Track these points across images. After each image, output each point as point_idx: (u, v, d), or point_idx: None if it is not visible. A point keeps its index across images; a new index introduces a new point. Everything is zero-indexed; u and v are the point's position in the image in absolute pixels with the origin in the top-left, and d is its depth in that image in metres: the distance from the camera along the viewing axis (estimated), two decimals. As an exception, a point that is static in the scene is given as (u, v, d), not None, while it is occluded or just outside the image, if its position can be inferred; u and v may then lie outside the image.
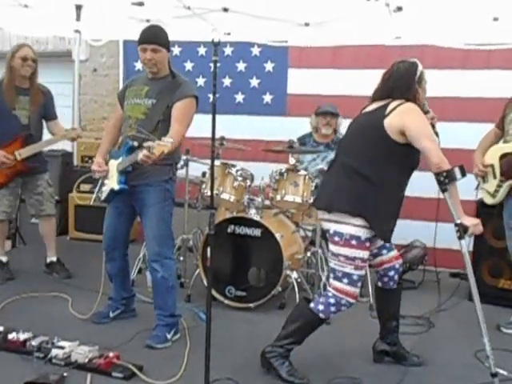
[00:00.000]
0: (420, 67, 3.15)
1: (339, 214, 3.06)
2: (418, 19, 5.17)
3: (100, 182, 3.75)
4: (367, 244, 3.07)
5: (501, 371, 3.32)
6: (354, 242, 3.04)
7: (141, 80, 3.71)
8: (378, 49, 5.76)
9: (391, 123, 3.00)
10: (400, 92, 3.08)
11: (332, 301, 3.14)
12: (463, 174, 2.91)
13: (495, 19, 4.99)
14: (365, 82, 5.78)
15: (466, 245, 2.98)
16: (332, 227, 3.10)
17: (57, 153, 6.33)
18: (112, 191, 3.61)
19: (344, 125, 5.14)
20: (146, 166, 3.32)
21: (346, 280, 3.09)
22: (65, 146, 6.28)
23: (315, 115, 5.13)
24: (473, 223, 2.96)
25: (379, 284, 3.42)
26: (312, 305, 3.18)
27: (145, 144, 3.20)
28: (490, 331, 3.91)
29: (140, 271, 4.79)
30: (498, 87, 5.26)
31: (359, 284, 3.13)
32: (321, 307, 3.15)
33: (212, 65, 2.89)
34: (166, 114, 3.52)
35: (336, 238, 3.08)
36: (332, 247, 3.14)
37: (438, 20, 5.18)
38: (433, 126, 3.17)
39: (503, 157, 3.84)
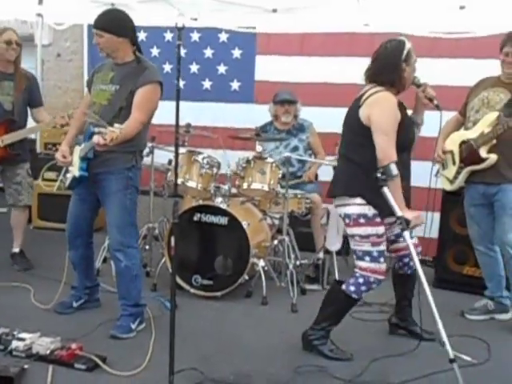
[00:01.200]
0: (408, 45, 3.21)
1: (342, 197, 3.26)
2: (386, 7, 5.16)
3: (65, 168, 3.68)
4: (377, 220, 3.19)
5: (464, 357, 3.37)
6: (362, 221, 3.19)
7: (108, 66, 3.63)
8: (346, 36, 5.76)
9: (363, 113, 3.16)
10: (387, 73, 3.20)
11: (361, 280, 3.25)
12: (397, 170, 3.03)
13: (461, 7, 5.02)
14: (333, 69, 5.87)
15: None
16: (341, 211, 3.30)
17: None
18: (74, 178, 3.54)
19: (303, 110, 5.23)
20: (108, 153, 3.31)
21: (367, 258, 3.22)
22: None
23: (273, 103, 5.12)
24: (414, 216, 3.06)
25: (396, 267, 3.58)
26: (344, 287, 3.29)
27: (96, 129, 3.20)
28: (455, 318, 4.04)
29: (105, 260, 4.71)
30: (465, 76, 5.29)
31: (382, 259, 3.23)
32: (352, 288, 3.26)
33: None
34: (128, 100, 3.45)
35: (347, 220, 3.26)
36: (347, 230, 3.32)
37: (405, 8, 5.18)
38: (430, 100, 3.34)
39: (463, 143, 3.85)
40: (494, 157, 3.68)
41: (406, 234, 3.00)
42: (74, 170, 3.53)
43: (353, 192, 3.21)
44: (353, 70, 5.74)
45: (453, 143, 3.95)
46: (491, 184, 3.74)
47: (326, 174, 4.92)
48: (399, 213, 2.98)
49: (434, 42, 5.49)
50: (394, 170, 3.02)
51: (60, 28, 5.95)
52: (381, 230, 3.22)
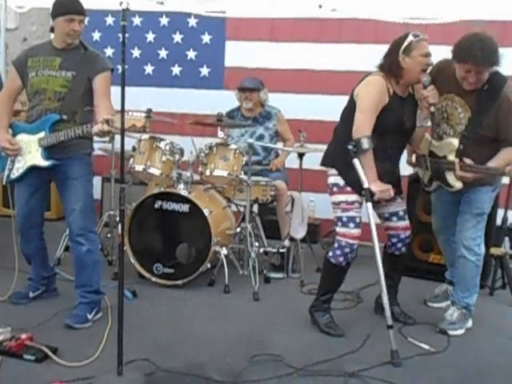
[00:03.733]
0: (410, 38, 3.32)
1: (326, 168, 3.55)
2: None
3: (9, 159, 3.55)
4: (348, 188, 3.42)
5: (422, 345, 3.37)
6: (335, 189, 3.47)
7: (47, 50, 3.51)
8: (315, 22, 5.67)
9: (356, 90, 3.42)
10: (385, 59, 3.42)
11: (336, 245, 3.48)
12: (370, 145, 3.23)
13: (430, -7, 4.96)
14: (302, 55, 5.80)
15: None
16: (327, 182, 3.55)
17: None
18: (31, 168, 3.45)
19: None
20: (69, 139, 3.34)
21: (339, 223, 3.47)
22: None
23: (237, 90, 5.05)
24: (379, 189, 3.29)
25: (386, 245, 3.77)
26: (327, 254, 3.54)
27: (105, 117, 3.17)
28: (418, 306, 4.02)
29: (67, 249, 4.61)
30: (435, 61, 5.25)
31: (351, 225, 3.42)
32: (330, 253, 3.51)
33: (147, 36, 2.74)
34: (87, 87, 3.43)
35: (328, 190, 3.54)
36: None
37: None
38: (429, 105, 3.38)
39: (431, 153, 3.65)
40: (459, 185, 3.49)
41: (369, 205, 3.23)
42: (34, 160, 3.44)
43: (328, 163, 3.53)
44: (322, 56, 5.76)
45: (424, 148, 3.72)
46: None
47: (293, 161, 4.88)
48: (366, 184, 3.21)
49: (403, 27, 5.41)
50: (365, 143, 3.23)
51: (21, 11, 5.80)
52: (351, 197, 3.41)
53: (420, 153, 3.74)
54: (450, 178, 3.52)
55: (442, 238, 4.00)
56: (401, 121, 3.42)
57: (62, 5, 3.38)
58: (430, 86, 3.37)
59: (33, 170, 3.46)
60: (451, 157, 3.49)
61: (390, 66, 3.37)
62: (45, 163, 3.42)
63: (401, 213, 3.65)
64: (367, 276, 4.31)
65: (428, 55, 3.36)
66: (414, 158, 3.83)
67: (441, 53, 5.38)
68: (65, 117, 3.39)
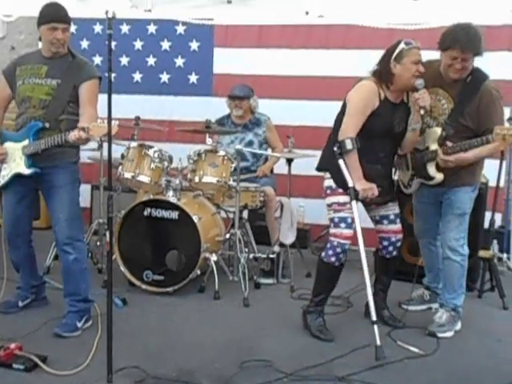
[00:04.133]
0: (401, 45, 3.40)
1: (322, 173, 3.64)
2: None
3: None
4: (339, 190, 3.49)
5: (411, 348, 3.38)
6: (328, 191, 3.57)
7: (35, 58, 3.53)
8: (302, 28, 5.71)
9: (347, 96, 3.51)
10: (377, 66, 3.50)
11: (328, 245, 3.56)
12: (354, 145, 3.31)
13: (415, -1, 5.01)
14: (290, 61, 5.83)
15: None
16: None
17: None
18: (16, 176, 3.45)
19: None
20: (54, 147, 3.32)
21: (332, 224, 3.56)
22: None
23: (228, 97, 5.09)
24: (363, 188, 3.38)
25: (378, 248, 3.82)
26: (321, 255, 3.61)
27: (79, 125, 3.18)
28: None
29: (56, 257, 4.59)
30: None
31: (343, 225, 3.50)
32: (323, 253, 3.58)
33: (135, 44, 2.75)
34: (72, 95, 3.43)
35: (323, 193, 3.61)
36: None
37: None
38: (420, 108, 3.42)
39: (415, 151, 3.71)
40: (440, 176, 3.57)
41: (353, 203, 3.35)
42: (18, 167, 3.44)
43: (323, 166, 3.64)
44: (309, 62, 5.79)
45: None
46: (442, 185, 3.64)
47: (281, 167, 4.89)
48: (350, 183, 3.34)
49: (390, 33, 5.46)
50: (348, 144, 3.33)
51: (8, 20, 5.80)
52: (342, 198, 3.47)
53: (401, 153, 3.78)
54: (431, 169, 3.61)
55: (423, 241, 4.03)
56: (390, 126, 3.49)
57: (45, 13, 3.40)
58: (422, 90, 3.41)
59: (18, 177, 3.45)
60: (434, 146, 3.57)
61: (382, 73, 3.46)
62: (27, 171, 3.42)
63: (392, 216, 3.69)
64: (357, 280, 4.33)
65: (418, 62, 3.42)
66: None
67: (427, 57, 5.44)
68: (47, 125, 3.38)
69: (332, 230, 3.56)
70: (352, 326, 3.71)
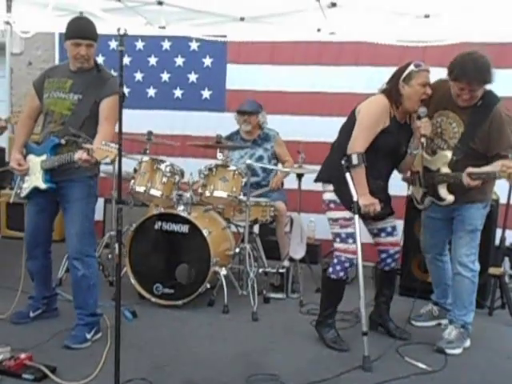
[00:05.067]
0: (411, 67, 3.46)
1: (322, 184, 3.65)
2: (352, 16, 5.16)
3: (19, 178, 3.62)
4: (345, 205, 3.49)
5: (419, 364, 3.36)
6: (332, 205, 3.57)
7: (62, 72, 3.55)
8: (314, 45, 5.79)
9: (358, 108, 3.53)
10: (387, 84, 3.55)
11: (335, 261, 3.59)
12: (360, 161, 3.35)
13: (426, 16, 5.03)
14: (302, 77, 5.89)
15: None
16: (322, 197, 3.64)
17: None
18: (35, 189, 3.50)
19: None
20: (71, 162, 3.30)
21: (338, 239, 3.58)
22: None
23: (236, 113, 5.14)
24: (364, 203, 3.41)
25: (378, 261, 3.84)
26: (327, 271, 3.63)
27: (84, 145, 3.14)
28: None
29: (68, 270, 4.64)
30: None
31: (350, 240, 3.51)
32: (331, 269, 3.60)
33: (150, 59, 2.79)
34: (93, 111, 3.43)
35: (323, 206, 3.63)
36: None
37: (372, 17, 5.20)
38: (421, 136, 3.50)
39: (425, 169, 3.72)
40: (451, 198, 3.58)
41: (355, 217, 3.38)
42: (36, 181, 3.49)
43: (326, 178, 3.63)
44: (322, 78, 5.84)
45: (418, 164, 3.79)
46: (454, 203, 3.63)
47: (292, 182, 4.92)
48: (355, 197, 3.37)
49: (402, 50, 5.50)
50: (355, 159, 3.37)
51: (25, 36, 5.91)
52: (347, 214, 3.48)
53: (414, 169, 3.82)
54: (443, 191, 3.61)
55: (429, 256, 4.03)
56: (397, 145, 3.57)
57: (71, 29, 3.42)
58: (425, 119, 3.47)
59: (39, 191, 3.50)
60: (444, 169, 3.59)
61: (391, 92, 3.51)
62: (43, 186, 3.47)
63: (389, 229, 3.74)
64: (367, 296, 4.33)
65: (426, 85, 3.46)
66: (408, 173, 3.90)
67: (439, 75, 5.47)
68: (63, 141, 3.38)
69: (338, 245, 3.59)
70: (360, 341, 3.67)
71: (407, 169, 3.77)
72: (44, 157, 3.46)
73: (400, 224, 4.45)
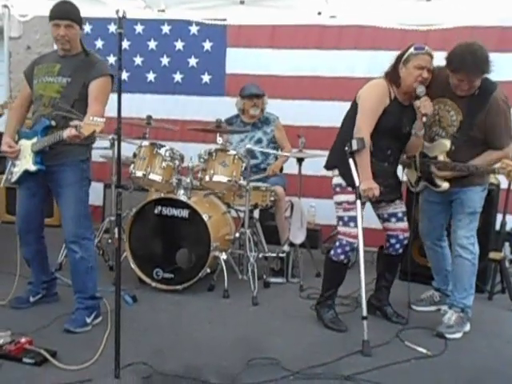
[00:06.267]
0: (411, 50, 3.48)
1: (330, 170, 3.69)
2: (353, -1, 5.14)
3: (10, 163, 3.61)
4: (349, 189, 3.52)
5: (419, 348, 3.37)
6: (338, 189, 3.62)
7: (51, 57, 3.59)
8: (315, 29, 5.73)
9: (358, 93, 3.58)
10: (389, 69, 3.56)
11: (337, 243, 3.64)
12: (360, 146, 3.36)
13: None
14: (302, 61, 5.85)
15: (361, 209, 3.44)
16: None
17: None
18: (26, 172, 3.48)
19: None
20: (62, 145, 3.31)
21: (340, 222, 3.62)
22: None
23: (241, 97, 5.11)
24: (363, 188, 3.41)
25: (384, 246, 3.86)
26: (329, 253, 3.69)
27: (71, 123, 3.16)
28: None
29: (68, 255, 4.65)
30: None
31: (352, 224, 3.55)
32: (332, 252, 3.66)
33: (149, 43, 2.77)
34: (81, 93, 3.44)
35: (332, 191, 3.66)
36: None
37: (373, 0, 5.17)
38: (422, 115, 3.48)
39: (422, 154, 3.75)
40: (446, 185, 3.63)
41: (357, 203, 3.40)
42: (26, 164, 3.47)
43: (332, 164, 3.67)
44: (322, 62, 5.80)
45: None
46: (452, 186, 3.65)
47: (292, 167, 4.90)
48: (357, 183, 3.40)
49: (403, 34, 5.46)
50: (354, 145, 3.38)
51: (23, 19, 5.86)
52: (352, 197, 3.48)
53: (409, 154, 3.83)
54: (437, 179, 3.66)
55: (428, 243, 4.04)
56: (398, 125, 3.55)
57: (52, 10, 3.46)
58: (424, 97, 3.47)
59: (30, 174, 3.48)
60: (441, 157, 3.63)
61: (391, 73, 3.56)
62: (33, 168, 3.44)
63: (399, 214, 3.75)
64: (366, 280, 4.33)
65: (422, 68, 3.46)
66: (404, 157, 3.89)
67: (441, 59, 5.45)
68: (53, 123, 3.40)
69: (341, 229, 3.62)
70: (360, 326, 3.67)
71: (414, 151, 3.74)
72: (35, 139, 3.45)
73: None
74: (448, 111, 3.61)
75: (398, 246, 3.79)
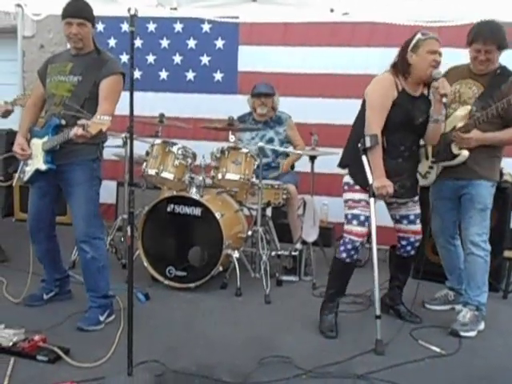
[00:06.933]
0: (419, 35, 3.44)
1: (343, 168, 3.64)
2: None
3: (22, 162, 3.64)
4: (356, 187, 3.49)
5: (433, 347, 3.34)
6: (346, 187, 3.57)
7: (64, 56, 3.62)
8: (327, 26, 5.70)
9: (365, 91, 3.52)
10: (396, 58, 3.52)
11: (341, 241, 3.57)
12: (373, 142, 3.32)
13: (443, -5, 4.95)
14: (315, 59, 5.83)
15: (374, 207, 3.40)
16: None
17: (1, 132, 6.14)
18: (37, 171, 3.51)
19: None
20: (72, 144, 3.33)
21: (345, 221, 3.56)
22: (11, 124, 6.08)
23: (251, 96, 5.11)
24: (376, 186, 3.35)
25: (396, 246, 3.81)
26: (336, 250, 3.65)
27: (79, 122, 3.16)
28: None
29: (82, 253, 4.67)
30: (449, 64, 5.24)
31: (355, 222, 3.49)
32: (337, 250, 3.59)
33: (162, 42, 2.77)
34: (92, 92, 3.45)
35: (342, 189, 3.62)
36: None
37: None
38: (441, 96, 3.38)
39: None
40: (465, 153, 3.59)
41: (371, 201, 3.37)
42: (37, 163, 3.50)
43: (343, 163, 3.65)
44: (335, 60, 5.77)
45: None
46: (461, 179, 3.66)
47: (305, 165, 4.88)
48: (370, 181, 3.35)
49: (416, 30, 5.37)
50: (368, 141, 3.34)
51: (37, 18, 5.90)
52: (357, 195, 3.48)
53: (431, 143, 3.79)
54: (455, 148, 3.65)
55: (440, 241, 4.01)
56: (409, 117, 3.47)
57: (64, 9, 3.48)
58: (441, 79, 3.42)
59: (41, 174, 3.51)
60: (461, 124, 3.62)
61: (399, 64, 3.48)
62: (43, 167, 3.47)
63: (412, 217, 3.67)
64: (379, 279, 4.31)
65: (435, 52, 3.41)
66: None
67: (455, 55, 5.39)
68: (63, 122, 3.41)
69: (345, 227, 3.57)
70: (372, 325, 3.66)
71: (434, 138, 3.60)
72: (45, 138, 3.48)
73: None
74: (470, 88, 3.67)
75: (409, 248, 3.74)
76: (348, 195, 3.54)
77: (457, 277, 4.00)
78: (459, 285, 3.99)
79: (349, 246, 3.51)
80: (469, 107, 3.61)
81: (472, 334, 3.59)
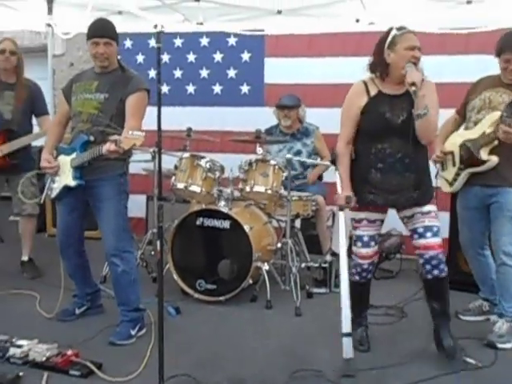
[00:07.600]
0: (393, 32, 3.21)
1: None
2: (391, 5, 5.07)
3: (49, 179, 3.69)
4: (356, 205, 3.32)
5: (468, 359, 3.27)
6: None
7: (88, 75, 3.67)
8: (353, 36, 5.69)
9: None
10: (372, 59, 3.33)
11: (352, 263, 3.44)
12: (332, 156, 3.40)
13: (468, 2, 4.90)
14: (341, 69, 5.81)
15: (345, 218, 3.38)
16: None
17: (35, 148, 6.24)
18: (66, 187, 3.56)
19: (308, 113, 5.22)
20: (101, 160, 3.38)
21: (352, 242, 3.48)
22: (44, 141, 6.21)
23: (276, 107, 5.11)
24: (337, 196, 3.33)
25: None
26: None
27: (111, 137, 3.22)
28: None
29: (113, 267, 4.71)
30: (477, 72, 5.16)
31: (359, 244, 3.39)
32: (350, 271, 3.41)
33: (188, 56, 2.80)
34: (119, 108, 3.50)
35: None
36: None
37: (412, 5, 5.10)
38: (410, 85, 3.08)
39: (464, 144, 3.68)
40: (494, 159, 3.53)
41: (340, 214, 3.34)
42: (66, 180, 3.55)
43: None
44: (361, 70, 5.71)
45: (453, 144, 3.78)
46: (490, 186, 3.58)
47: (332, 175, 4.85)
48: (339, 191, 3.36)
49: (443, 38, 5.38)
50: (331, 155, 3.46)
51: (66, 37, 6.01)
52: (358, 215, 3.37)
53: (446, 150, 3.78)
54: (484, 153, 3.58)
55: (470, 252, 3.92)
56: (385, 120, 3.20)
57: (89, 29, 3.56)
58: (410, 68, 3.12)
59: (69, 190, 3.56)
60: (490, 130, 3.55)
61: (376, 64, 3.29)
62: (73, 183, 3.52)
63: (420, 229, 3.25)
64: (412, 290, 4.25)
65: (414, 48, 3.18)
66: (438, 153, 3.81)
67: (483, 63, 5.32)
68: (92, 138, 3.47)
69: (352, 248, 3.49)
70: (405, 336, 3.63)
71: (425, 135, 3.19)
72: (74, 155, 3.53)
73: (445, 216, 4.38)
74: (500, 95, 3.62)
75: (428, 267, 3.24)
76: (351, 214, 3.41)
77: (490, 287, 3.91)
78: (493, 295, 3.89)
79: (358, 269, 3.43)
80: (498, 113, 3.54)
81: (509, 345, 3.49)
